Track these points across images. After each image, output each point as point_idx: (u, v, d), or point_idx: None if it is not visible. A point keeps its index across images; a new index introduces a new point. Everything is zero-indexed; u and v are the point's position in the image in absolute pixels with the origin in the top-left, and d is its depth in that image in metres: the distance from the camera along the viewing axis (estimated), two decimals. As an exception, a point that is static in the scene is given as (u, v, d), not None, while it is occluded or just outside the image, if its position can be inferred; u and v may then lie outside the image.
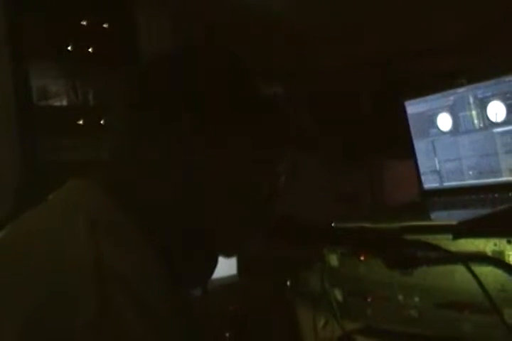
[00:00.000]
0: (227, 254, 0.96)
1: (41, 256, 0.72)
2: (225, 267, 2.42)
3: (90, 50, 2.74)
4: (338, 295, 1.64)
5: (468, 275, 1.04)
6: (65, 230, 0.75)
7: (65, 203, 0.82)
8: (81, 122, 2.67)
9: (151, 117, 0.85)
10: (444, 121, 1.86)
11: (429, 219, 1.70)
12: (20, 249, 0.75)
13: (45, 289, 0.68)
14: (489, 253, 1.30)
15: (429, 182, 1.93)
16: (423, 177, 1.95)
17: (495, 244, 1.29)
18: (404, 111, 1.97)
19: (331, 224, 1.12)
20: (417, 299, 1.45)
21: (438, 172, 1.90)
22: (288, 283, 1.98)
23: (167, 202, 0.84)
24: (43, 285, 0.68)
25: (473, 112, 1.77)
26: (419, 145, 1.95)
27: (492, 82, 1.73)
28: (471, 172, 1.80)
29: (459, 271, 1.31)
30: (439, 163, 1.90)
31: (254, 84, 0.91)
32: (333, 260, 1.63)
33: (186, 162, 0.84)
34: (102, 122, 2.64)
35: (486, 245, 1.31)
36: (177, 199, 0.85)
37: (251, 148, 0.88)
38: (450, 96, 1.83)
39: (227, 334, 2.13)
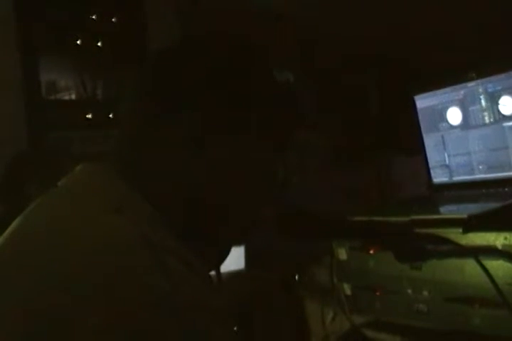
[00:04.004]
0: (237, 241, 0.96)
1: (81, 239, 0.71)
2: (233, 261, 2.42)
3: (99, 44, 2.75)
4: (347, 288, 1.64)
5: (478, 269, 1.04)
6: (93, 213, 0.75)
7: (83, 187, 0.82)
8: (90, 116, 2.68)
9: (165, 105, 0.85)
10: (454, 115, 1.85)
11: (438, 212, 1.70)
12: (54, 233, 0.74)
13: (106, 269, 0.68)
14: (499, 247, 1.29)
15: (439, 177, 1.92)
16: (432, 172, 1.94)
17: (505, 238, 1.29)
18: (414, 106, 1.97)
19: (340, 218, 1.12)
20: (426, 293, 1.45)
21: (447, 167, 1.89)
22: (296, 276, 1.98)
23: (179, 187, 0.85)
24: (102, 265, 0.68)
25: (484, 106, 1.77)
26: (429, 140, 1.94)
27: (502, 76, 1.72)
28: (480, 167, 1.80)
29: (469, 264, 1.30)
30: (448, 157, 1.89)
31: (267, 71, 0.92)
32: (342, 254, 1.63)
33: (198, 149, 0.84)
34: (110, 116, 2.65)
35: (496, 239, 1.30)
36: (188, 185, 0.85)
37: (263, 134, 0.88)
38: (460, 91, 1.82)
39: (235, 328, 2.13)
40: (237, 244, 0.97)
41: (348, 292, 1.64)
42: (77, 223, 0.74)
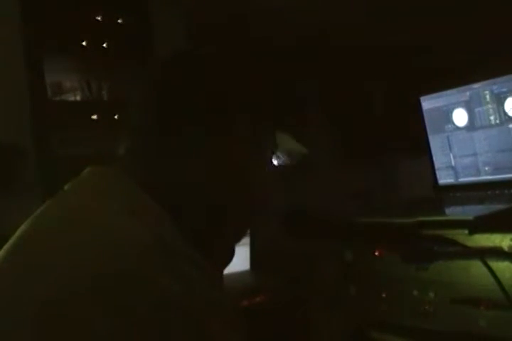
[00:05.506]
0: (237, 238, 0.97)
1: (94, 241, 0.71)
2: (238, 262, 2.42)
3: (105, 45, 2.75)
4: (353, 290, 1.64)
5: (484, 271, 1.04)
6: (105, 216, 0.76)
7: (94, 190, 0.83)
8: (95, 117, 2.68)
9: (172, 111, 0.86)
10: (460, 117, 1.85)
11: (444, 214, 1.69)
12: (67, 235, 0.74)
13: (114, 271, 0.68)
14: (505, 249, 1.29)
15: (444, 178, 1.92)
16: (438, 173, 1.94)
17: (511, 239, 1.29)
18: (420, 107, 1.97)
19: (346, 219, 1.12)
20: (432, 294, 1.45)
21: (453, 168, 1.89)
22: (302, 278, 1.98)
23: (186, 188, 0.85)
24: (111, 268, 0.68)
25: (489, 107, 1.77)
26: (435, 141, 1.94)
27: (508, 77, 1.72)
28: (486, 168, 1.80)
29: (475, 266, 1.30)
30: (454, 158, 1.89)
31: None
32: (348, 255, 1.63)
33: (203, 152, 0.85)
34: (115, 117, 2.65)
35: (502, 240, 1.30)
36: (195, 186, 0.85)
37: (265, 138, 0.90)
38: (466, 92, 1.83)
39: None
40: (238, 241, 0.97)
41: (354, 293, 1.64)
42: (90, 225, 0.74)
